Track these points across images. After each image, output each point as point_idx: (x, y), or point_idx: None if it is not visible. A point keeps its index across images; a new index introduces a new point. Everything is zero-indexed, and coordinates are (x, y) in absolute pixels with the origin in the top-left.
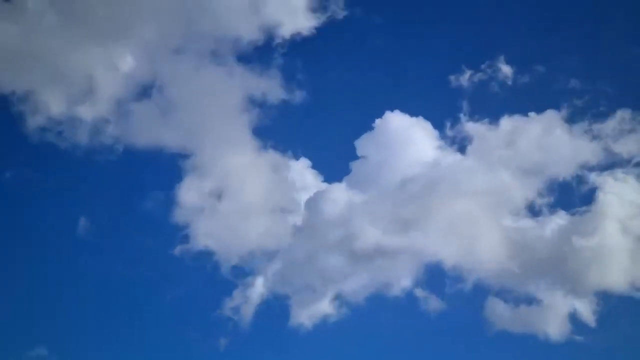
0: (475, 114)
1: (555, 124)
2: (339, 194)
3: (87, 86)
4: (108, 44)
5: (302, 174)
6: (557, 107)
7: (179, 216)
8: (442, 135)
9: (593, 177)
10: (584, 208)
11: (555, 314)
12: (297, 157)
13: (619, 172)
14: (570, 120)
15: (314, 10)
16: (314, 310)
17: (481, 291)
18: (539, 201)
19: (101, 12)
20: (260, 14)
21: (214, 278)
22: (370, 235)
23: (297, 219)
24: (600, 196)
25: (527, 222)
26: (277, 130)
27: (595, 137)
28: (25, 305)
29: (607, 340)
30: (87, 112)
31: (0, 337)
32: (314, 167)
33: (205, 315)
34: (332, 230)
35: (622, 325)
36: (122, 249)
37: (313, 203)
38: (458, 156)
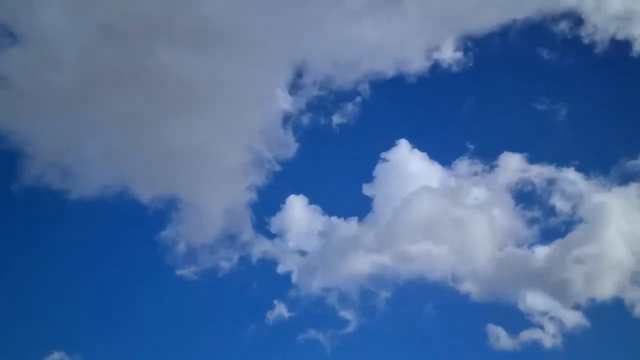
0: (478, 151)
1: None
2: (346, 226)
3: None
4: None
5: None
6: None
7: None
8: (445, 169)
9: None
10: (576, 227)
11: (551, 328)
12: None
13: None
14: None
15: None
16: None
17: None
18: (534, 230)
19: None
20: None
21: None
22: (373, 260)
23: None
24: (592, 213)
25: (524, 249)
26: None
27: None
28: (42, 309)
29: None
30: None
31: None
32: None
33: (222, 331)
34: (341, 257)
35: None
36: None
37: (323, 235)
38: (459, 188)
